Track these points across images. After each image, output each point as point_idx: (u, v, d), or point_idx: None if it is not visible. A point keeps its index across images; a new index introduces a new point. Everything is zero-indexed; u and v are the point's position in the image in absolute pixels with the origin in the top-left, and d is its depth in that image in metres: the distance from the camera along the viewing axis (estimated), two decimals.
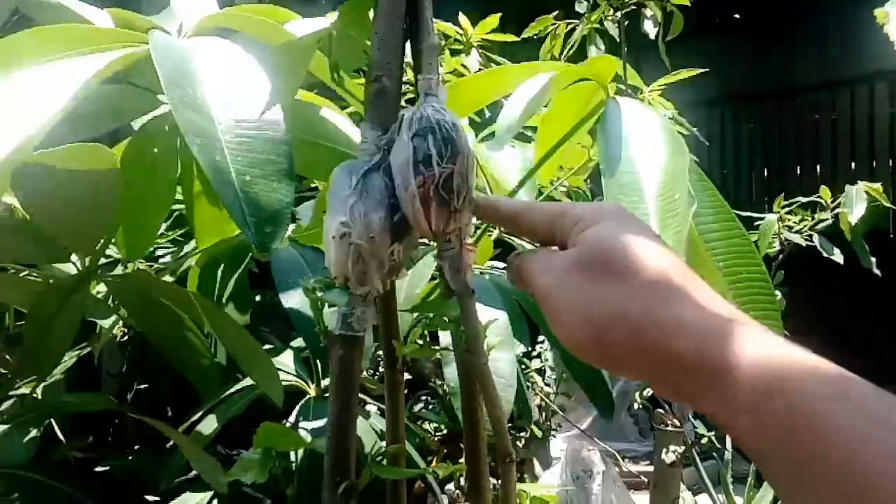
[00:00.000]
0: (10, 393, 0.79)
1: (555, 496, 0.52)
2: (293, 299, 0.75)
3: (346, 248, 0.37)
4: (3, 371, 0.84)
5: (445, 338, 0.73)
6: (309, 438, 0.72)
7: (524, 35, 1.25)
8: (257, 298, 1.09)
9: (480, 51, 1.42)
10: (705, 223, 0.55)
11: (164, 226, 1.07)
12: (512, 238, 1.09)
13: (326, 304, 0.39)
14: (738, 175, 4.22)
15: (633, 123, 0.55)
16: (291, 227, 0.83)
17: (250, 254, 0.81)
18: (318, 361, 0.91)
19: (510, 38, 1.39)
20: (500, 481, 0.45)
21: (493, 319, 0.63)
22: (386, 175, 0.38)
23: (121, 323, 0.99)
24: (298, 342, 0.99)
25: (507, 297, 0.85)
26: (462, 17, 1.36)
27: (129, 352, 1.12)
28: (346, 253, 0.37)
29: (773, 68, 3.95)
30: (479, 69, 1.34)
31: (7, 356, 0.87)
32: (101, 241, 0.65)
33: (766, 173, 4.22)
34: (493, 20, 1.33)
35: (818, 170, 3.99)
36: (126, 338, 1.09)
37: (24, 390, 0.84)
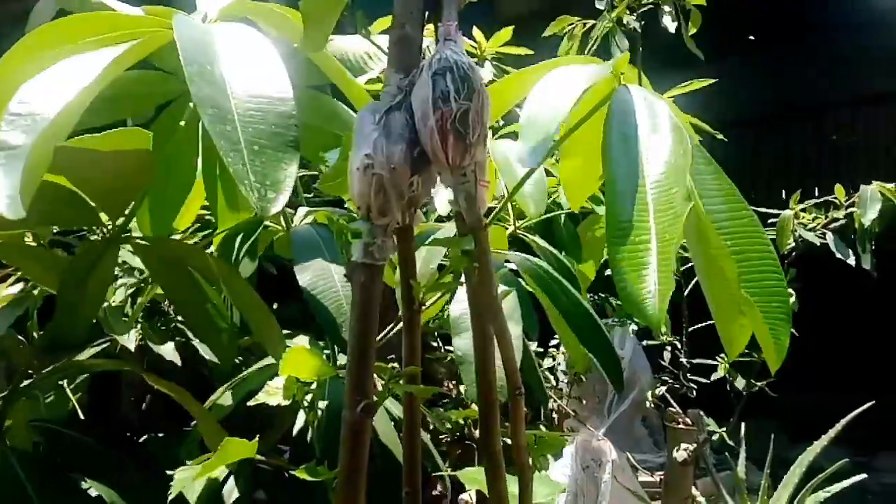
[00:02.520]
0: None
1: (557, 436, 0.54)
2: (306, 276, 0.78)
3: (370, 179, 0.40)
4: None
5: (458, 308, 0.75)
6: (324, 415, 0.75)
7: (545, 34, 1.28)
8: (274, 306, 1.13)
9: (494, 63, 1.46)
10: (712, 203, 0.55)
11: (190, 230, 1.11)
12: (526, 234, 1.11)
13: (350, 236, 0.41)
14: (755, 195, 4.19)
15: (642, 112, 0.52)
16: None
17: (261, 226, 0.85)
18: (333, 344, 0.93)
19: (523, 50, 1.42)
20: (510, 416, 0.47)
21: (505, 291, 0.65)
22: (407, 113, 0.41)
23: (138, 326, 1.03)
24: None
25: (521, 290, 0.87)
26: (476, 31, 1.39)
27: (147, 358, 1.15)
28: (368, 184, 0.40)
29: (793, 88, 3.95)
30: (493, 80, 1.38)
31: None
32: (130, 204, 0.69)
33: (783, 195, 4.19)
34: (507, 33, 1.36)
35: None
36: (143, 342, 1.12)
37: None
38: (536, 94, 0.45)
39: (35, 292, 0.83)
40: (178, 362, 0.95)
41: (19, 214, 0.45)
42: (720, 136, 1.28)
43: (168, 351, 0.95)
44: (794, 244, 1.37)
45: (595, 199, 1.21)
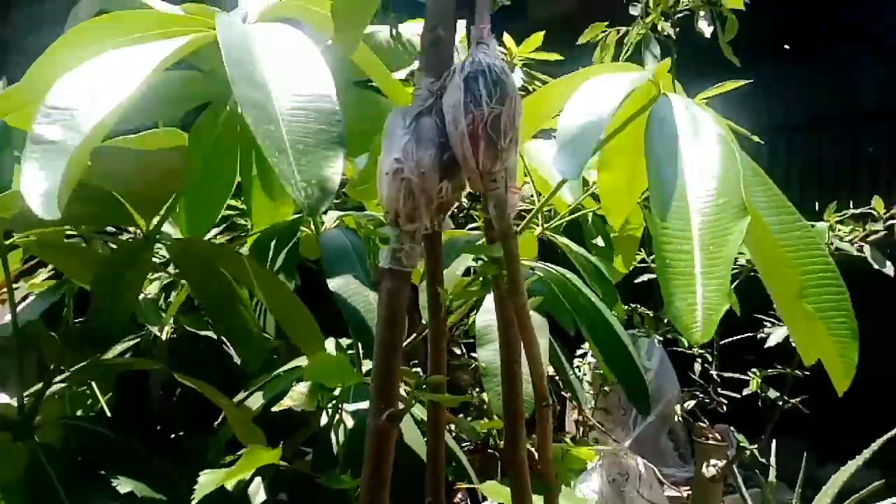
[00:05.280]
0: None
1: (585, 450, 0.53)
2: (337, 281, 0.78)
3: (399, 183, 0.39)
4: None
5: (483, 319, 0.74)
6: (350, 421, 0.75)
7: (580, 41, 1.28)
8: None
9: (524, 69, 1.46)
10: (764, 217, 0.53)
11: (215, 230, 1.12)
12: (555, 236, 1.10)
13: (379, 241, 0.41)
14: (800, 204, 4.07)
15: (683, 119, 0.50)
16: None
17: (299, 233, 0.85)
18: (359, 346, 0.93)
19: (554, 56, 1.42)
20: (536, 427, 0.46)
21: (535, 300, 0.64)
22: (438, 117, 0.40)
23: (171, 321, 1.04)
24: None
25: (552, 292, 0.86)
26: (506, 37, 1.39)
27: (178, 354, 1.16)
28: (398, 189, 0.39)
29: (828, 98, 3.86)
30: (523, 86, 1.38)
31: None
32: (165, 205, 0.69)
33: (816, 207, 4.07)
34: (537, 39, 1.36)
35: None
36: (174, 335, 1.13)
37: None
38: (575, 103, 0.44)
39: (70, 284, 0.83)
40: (214, 336, 0.96)
41: (54, 215, 0.44)
42: (756, 140, 1.25)
43: (202, 332, 0.96)
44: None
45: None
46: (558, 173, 0.39)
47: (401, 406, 0.42)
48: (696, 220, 0.42)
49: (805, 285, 0.47)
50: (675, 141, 0.47)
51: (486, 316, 0.73)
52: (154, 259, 0.97)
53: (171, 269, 1.00)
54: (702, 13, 1.19)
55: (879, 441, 1.59)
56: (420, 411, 0.85)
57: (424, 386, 0.42)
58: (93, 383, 0.94)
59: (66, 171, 0.46)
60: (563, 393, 1.55)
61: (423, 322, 0.80)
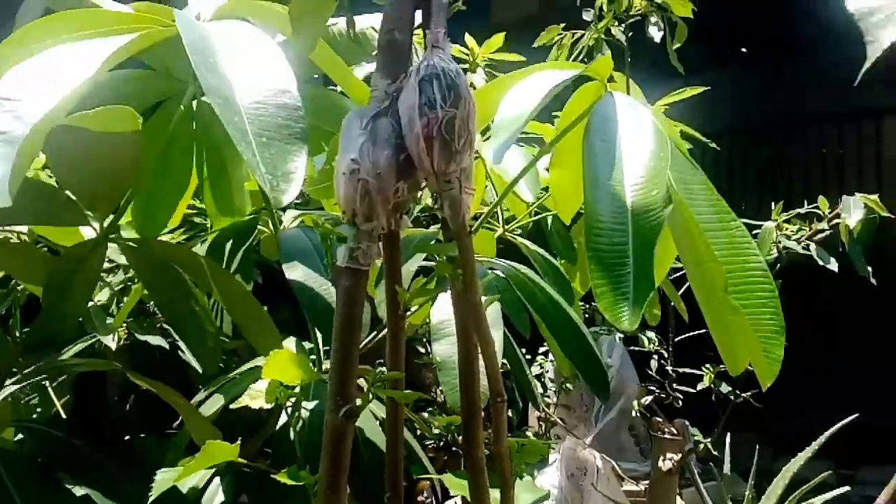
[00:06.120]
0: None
1: (539, 443, 0.54)
2: (296, 272, 0.78)
3: (355, 183, 0.40)
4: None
5: (439, 314, 0.75)
6: (309, 420, 0.75)
7: (536, 44, 1.30)
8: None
9: (487, 69, 1.47)
10: (700, 212, 0.55)
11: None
12: (515, 237, 1.12)
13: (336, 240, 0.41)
14: (745, 207, 4.20)
15: (624, 117, 0.52)
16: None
17: (256, 230, 0.85)
18: (321, 348, 0.93)
19: (516, 57, 1.44)
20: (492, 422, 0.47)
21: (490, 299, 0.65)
22: (394, 119, 0.41)
23: (124, 326, 1.02)
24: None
25: (509, 290, 0.87)
26: (468, 38, 1.41)
27: (132, 359, 1.14)
28: (354, 188, 0.40)
29: (781, 100, 3.98)
30: None
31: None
32: (119, 204, 0.68)
33: (772, 207, 4.19)
34: (498, 40, 1.38)
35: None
36: (129, 341, 1.11)
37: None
38: (511, 97, 0.46)
39: (18, 290, 0.82)
40: (166, 346, 0.95)
41: (5, 202, 0.44)
42: (712, 145, 1.28)
43: (154, 340, 0.95)
44: (777, 255, 1.39)
45: None
46: (491, 159, 0.41)
47: (358, 402, 0.43)
48: (631, 214, 0.44)
49: (736, 282, 0.49)
50: (615, 137, 0.49)
51: (442, 311, 0.74)
52: (105, 265, 0.95)
53: (120, 276, 0.99)
54: (652, 19, 1.23)
55: (827, 433, 1.65)
56: (382, 410, 0.86)
57: (382, 383, 0.43)
58: (49, 390, 0.92)
59: (17, 160, 0.45)
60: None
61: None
